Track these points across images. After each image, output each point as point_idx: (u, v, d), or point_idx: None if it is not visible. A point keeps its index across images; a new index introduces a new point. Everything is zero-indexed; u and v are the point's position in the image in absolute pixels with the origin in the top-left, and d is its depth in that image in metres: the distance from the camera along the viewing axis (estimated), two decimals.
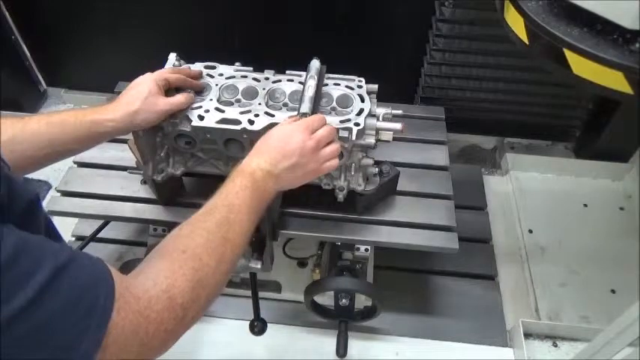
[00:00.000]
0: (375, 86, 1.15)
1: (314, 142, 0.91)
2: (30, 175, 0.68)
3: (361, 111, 1.08)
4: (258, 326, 1.28)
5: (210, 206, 0.75)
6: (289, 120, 0.97)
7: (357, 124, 1.05)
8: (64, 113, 0.89)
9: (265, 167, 0.85)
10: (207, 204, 0.76)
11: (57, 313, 0.49)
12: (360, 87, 1.14)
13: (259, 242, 1.13)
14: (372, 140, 1.06)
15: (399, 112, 1.13)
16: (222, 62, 1.18)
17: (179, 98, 1.01)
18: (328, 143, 0.95)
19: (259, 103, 1.09)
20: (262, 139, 0.92)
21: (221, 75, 1.15)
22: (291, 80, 1.15)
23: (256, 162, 0.86)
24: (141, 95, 0.95)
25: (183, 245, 0.67)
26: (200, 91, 1.10)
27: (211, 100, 1.09)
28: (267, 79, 1.15)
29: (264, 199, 0.84)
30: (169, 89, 1.03)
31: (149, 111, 0.95)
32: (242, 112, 1.06)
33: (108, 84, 1.54)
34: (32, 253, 0.50)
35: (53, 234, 0.70)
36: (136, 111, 0.93)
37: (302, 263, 1.54)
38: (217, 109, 1.07)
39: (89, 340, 0.50)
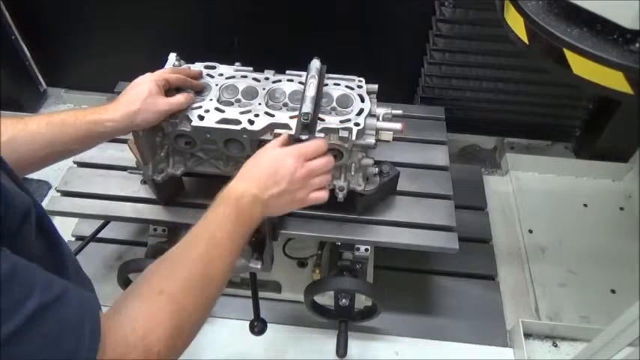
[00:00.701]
0: (375, 86, 1.15)
1: (306, 170, 0.89)
2: (30, 175, 0.68)
3: (361, 111, 1.08)
4: (258, 326, 1.28)
5: (191, 238, 0.71)
6: (280, 141, 0.94)
7: (357, 124, 1.05)
8: (64, 113, 0.89)
9: (253, 192, 0.82)
10: (188, 234, 0.72)
11: (40, 348, 0.47)
12: (360, 87, 1.14)
13: (259, 242, 1.13)
14: (372, 140, 1.06)
15: (399, 112, 1.13)
16: (222, 62, 1.18)
17: (179, 98, 1.01)
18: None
19: (259, 103, 1.09)
20: (252, 160, 0.89)
21: (221, 75, 1.15)
22: (291, 80, 1.15)
23: (244, 186, 0.82)
24: (141, 95, 0.94)
25: (160, 285, 0.63)
26: (200, 91, 1.10)
27: (211, 100, 1.09)
28: (267, 79, 1.15)
29: (250, 227, 0.81)
30: (169, 89, 1.03)
31: (149, 111, 0.95)
32: (242, 112, 1.06)
33: (108, 84, 1.54)
34: (23, 283, 0.48)
35: (52, 237, 0.69)
36: (135, 111, 0.93)
37: (302, 263, 1.54)
38: (217, 109, 1.07)
39: None
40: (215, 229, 0.73)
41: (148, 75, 0.99)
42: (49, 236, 0.66)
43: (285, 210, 0.90)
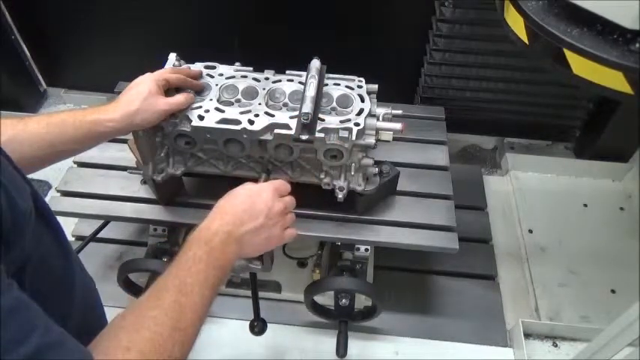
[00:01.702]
0: (375, 86, 1.15)
1: (282, 204, 0.86)
2: (30, 175, 0.68)
3: (361, 111, 1.08)
4: (258, 326, 1.28)
5: (160, 287, 0.65)
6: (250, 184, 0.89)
7: (357, 124, 1.05)
8: (64, 114, 0.89)
9: (227, 229, 0.76)
10: (157, 281, 0.66)
11: None
12: (360, 87, 1.14)
13: None
14: (372, 140, 1.06)
15: (399, 112, 1.13)
16: (222, 62, 1.18)
17: (179, 98, 1.01)
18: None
19: (259, 103, 1.09)
20: (226, 197, 0.83)
21: (221, 75, 1.15)
22: (291, 80, 1.15)
23: (217, 224, 0.76)
24: (140, 95, 0.94)
25: (127, 341, 0.57)
26: (200, 91, 1.10)
27: (211, 100, 1.09)
28: (267, 79, 1.15)
29: (225, 269, 0.74)
30: (169, 89, 1.03)
31: (149, 111, 0.95)
32: (242, 112, 1.06)
33: (108, 84, 1.54)
34: (25, 320, 0.47)
35: (58, 233, 0.70)
36: (135, 111, 0.93)
37: (302, 263, 1.54)
38: (217, 109, 1.07)
39: None
40: (185, 275, 0.68)
41: (147, 75, 0.99)
42: (56, 231, 0.67)
43: (261, 249, 0.84)
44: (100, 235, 1.45)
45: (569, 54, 0.90)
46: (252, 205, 0.81)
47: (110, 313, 0.78)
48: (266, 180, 1.12)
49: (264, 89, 1.12)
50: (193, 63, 1.18)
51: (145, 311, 0.62)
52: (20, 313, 0.47)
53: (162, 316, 0.62)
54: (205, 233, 0.75)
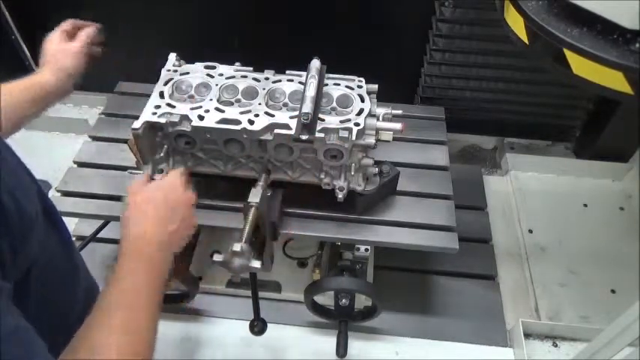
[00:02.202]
0: (375, 86, 1.15)
1: (190, 193, 0.88)
2: None
3: (361, 111, 1.08)
4: (258, 326, 1.28)
5: (104, 307, 0.63)
6: (146, 176, 0.90)
7: (357, 124, 1.05)
8: (9, 86, 0.96)
9: (158, 239, 0.75)
10: (99, 303, 0.64)
11: None
12: (360, 87, 1.14)
13: (259, 242, 1.13)
14: (372, 140, 1.06)
15: (399, 112, 1.14)
16: (222, 62, 1.18)
17: (81, 33, 1.13)
18: None
19: (259, 103, 1.09)
20: (146, 199, 0.80)
21: (221, 75, 1.15)
22: (291, 80, 1.15)
23: (150, 233, 0.75)
24: (52, 48, 1.05)
25: None
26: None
27: (211, 100, 1.09)
28: (267, 79, 1.15)
29: (161, 274, 0.73)
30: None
31: (68, 55, 1.04)
32: (242, 112, 1.06)
33: (108, 84, 1.54)
34: (26, 347, 0.47)
35: (63, 231, 0.70)
36: (57, 62, 1.02)
37: (302, 263, 1.54)
38: (217, 109, 1.07)
39: None
40: (130, 295, 0.66)
41: (52, 33, 1.10)
42: (61, 231, 0.67)
43: (186, 238, 0.83)
44: (100, 235, 1.44)
45: (569, 54, 0.90)
46: (173, 204, 0.81)
47: None
48: (266, 180, 1.12)
49: (264, 89, 1.12)
50: (193, 63, 1.18)
51: (98, 337, 0.59)
52: (21, 340, 0.46)
53: (116, 339, 0.60)
54: (135, 246, 0.73)
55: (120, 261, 0.70)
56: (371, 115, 1.09)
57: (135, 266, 0.70)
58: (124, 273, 0.69)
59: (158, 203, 0.80)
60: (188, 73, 1.16)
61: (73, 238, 1.58)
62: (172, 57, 1.18)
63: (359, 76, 1.17)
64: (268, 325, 1.29)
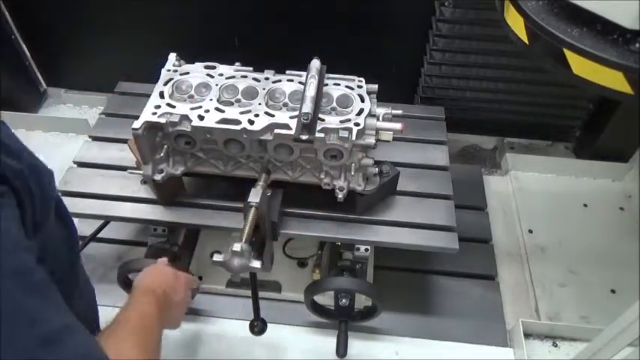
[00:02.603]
0: (375, 86, 1.15)
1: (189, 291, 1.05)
2: None
3: (361, 111, 1.08)
4: (258, 326, 1.28)
5: (123, 331, 0.72)
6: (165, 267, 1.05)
7: (357, 124, 1.05)
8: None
9: (162, 288, 0.91)
10: (117, 324, 0.73)
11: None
12: (360, 87, 1.14)
13: (259, 242, 1.13)
14: (372, 140, 1.06)
15: (399, 112, 1.14)
16: (222, 62, 1.18)
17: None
18: None
19: (259, 103, 1.09)
20: (153, 278, 0.95)
21: (221, 75, 1.15)
22: (291, 80, 1.15)
23: (154, 285, 0.91)
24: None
25: None
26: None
27: (211, 100, 1.09)
28: (267, 79, 1.15)
29: (164, 320, 0.86)
30: None
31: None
32: (242, 112, 1.06)
33: (108, 84, 1.54)
34: (53, 299, 0.51)
35: (69, 225, 0.71)
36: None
37: (302, 263, 1.54)
38: (217, 109, 1.07)
39: None
40: (143, 320, 0.77)
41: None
42: (67, 223, 0.68)
43: (181, 316, 1.03)
44: (100, 235, 1.45)
45: (569, 54, 0.90)
46: (175, 282, 0.98)
47: (109, 313, 0.78)
48: (266, 180, 1.12)
49: (264, 89, 1.12)
50: (193, 63, 1.18)
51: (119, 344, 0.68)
52: (50, 292, 0.51)
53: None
54: (148, 286, 0.89)
55: (131, 299, 0.83)
56: (371, 115, 1.09)
57: (147, 299, 0.83)
58: (136, 302, 0.82)
59: (167, 276, 0.98)
60: (188, 73, 1.16)
61: None
62: (172, 57, 1.18)
63: (359, 76, 1.17)
64: (268, 325, 1.29)
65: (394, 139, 1.11)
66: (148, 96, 1.11)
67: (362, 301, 1.41)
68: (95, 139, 1.42)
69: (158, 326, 0.80)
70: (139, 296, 0.84)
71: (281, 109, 1.10)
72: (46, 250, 0.56)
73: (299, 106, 1.05)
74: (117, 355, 0.63)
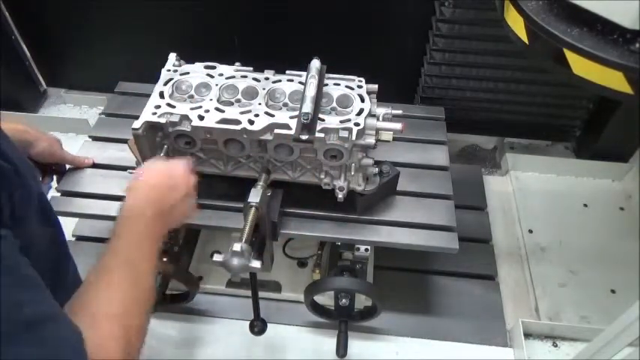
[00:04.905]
0: (375, 86, 1.15)
1: (194, 178, 0.92)
2: None
3: (361, 111, 1.08)
4: (258, 326, 1.28)
5: (106, 265, 0.69)
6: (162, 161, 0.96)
7: (357, 124, 1.05)
8: None
9: (155, 208, 0.80)
10: (101, 261, 0.70)
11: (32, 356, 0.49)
12: (360, 87, 1.14)
13: (259, 242, 1.13)
14: (372, 140, 1.06)
15: (399, 112, 1.13)
16: (222, 62, 1.18)
17: None
18: None
19: (259, 103, 1.09)
20: (146, 176, 0.86)
21: (221, 75, 1.15)
22: (291, 80, 1.15)
23: (144, 203, 0.80)
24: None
25: (100, 310, 0.63)
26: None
27: (211, 100, 1.09)
28: (267, 79, 1.15)
29: (157, 240, 0.79)
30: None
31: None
32: (242, 112, 1.06)
33: (108, 84, 1.54)
34: (37, 289, 0.51)
35: (57, 230, 0.70)
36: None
37: (302, 263, 1.54)
38: (217, 109, 1.07)
39: None
40: (129, 250, 0.73)
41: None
42: (54, 229, 0.68)
43: (184, 217, 0.90)
44: (100, 235, 1.45)
45: (569, 54, 0.90)
46: (173, 179, 0.87)
47: None
48: (266, 180, 1.12)
49: (264, 89, 1.12)
50: (193, 63, 1.18)
51: (103, 289, 0.66)
52: (35, 283, 0.51)
53: (120, 292, 0.66)
54: (134, 211, 0.79)
55: (118, 221, 0.76)
56: (371, 115, 1.09)
57: (133, 225, 0.76)
58: (122, 231, 0.74)
59: (158, 179, 0.86)
60: (188, 73, 1.16)
61: (73, 239, 1.60)
62: (172, 57, 1.18)
63: (359, 76, 1.17)
64: (268, 325, 1.29)
65: (394, 139, 1.11)
66: (148, 96, 1.11)
67: (362, 301, 1.41)
68: (95, 139, 1.42)
69: (149, 252, 0.74)
70: (126, 223, 0.76)
71: (281, 109, 1.10)
72: (29, 247, 0.56)
73: (299, 106, 1.05)
74: (107, 287, 0.65)
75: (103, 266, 0.68)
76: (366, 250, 1.31)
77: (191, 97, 1.13)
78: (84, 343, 0.55)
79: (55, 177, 1.26)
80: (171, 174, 0.88)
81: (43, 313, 0.51)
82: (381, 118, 1.11)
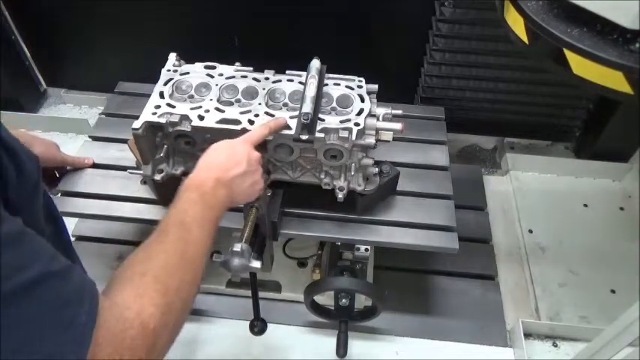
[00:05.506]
0: (375, 86, 1.15)
1: (258, 153, 0.95)
2: None
3: (361, 111, 1.08)
4: (258, 326, 1.28)
5: (162, 228, 0.72)
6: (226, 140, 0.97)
7: (357, 124, 1.05)
8: None
9: (215, 176, 0.84)
10: (160, 223, 0.73)
11: (38, 314, 0.48)
12: (360, 87, 1.14)
13: (259, 242, 1.13)
14: (372, 140, 1.06)
15: (399, 112, 1.13)
16: (222, 62, 1.18)
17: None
18: None
19: (259, 103, 1.09)
20: (208, 151, 0.91)
21: (221, 75, 1.15)
22: (291, 80, 1.15)
23: (205, 174, 0.84)
24: None
25: (143, 269, 0.64)
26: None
27: (211, 100, 1.09)
28: (267, 79, 1.15)
29: (218, 210, 0.82)
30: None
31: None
32: (242, 112, 1.06)
33: (108, 84, 1.54)
34: (28, 249, 0.49)
35: (60, 224, 0.70)
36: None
37: (302, 263, 1.54)
38: (217, 109, 1.07)
39: (69, 354, 0.49)
40: (183, 215, 0.75)
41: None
42: (57, 222, 0.68)
43: (249, 193, 0.92)
44: (100, 235, 1.45)
45: (569, 54, 0.90)
46: (234, 155, 0.90)
47: None
48: (266, 180, 1.12)
49: (264, 89, 1.12)
50: (193, 63, 1.18)
51: (154, 246, 0.68)
52: (23, 242, 0.49)
53: (170, 249, 0.68)
54: (195, 181, 0.82)
55: (177, 196, 0.79)
56: (371, 115, 1.09)
57: (187, 196, 0.78)
58: (179, 202, 0.77)
59: (219, 153, 0.89)
60: (188, 73, 1.16)
61: (73, 239, 1.60)
62: (172, 57, 1.18)
63: (359, 76, 1.17)
64: (268, 325, 1.29)
65: (394, 139, 1.11)
66: (148, 96, 1.11)
67: (362, 301, 1.42)
68: (95, 139, 1.42)
69: (199, 224, 0.75)
70: (182, 194, 0.80)
71: (281, 109, 1.10)
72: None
73: (299, 106, 1.05)
74: (146, 258, 0.66)
75: (156, 231, 0.71)
76: (366, 250, 1.31)
77: (191, 97, 1.13)
78: (95, 295, 0.54)
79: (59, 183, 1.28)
80: (234, 150, 0.91)
81: (38, 274, 0.49)
82: (381, 118, 1.11)
